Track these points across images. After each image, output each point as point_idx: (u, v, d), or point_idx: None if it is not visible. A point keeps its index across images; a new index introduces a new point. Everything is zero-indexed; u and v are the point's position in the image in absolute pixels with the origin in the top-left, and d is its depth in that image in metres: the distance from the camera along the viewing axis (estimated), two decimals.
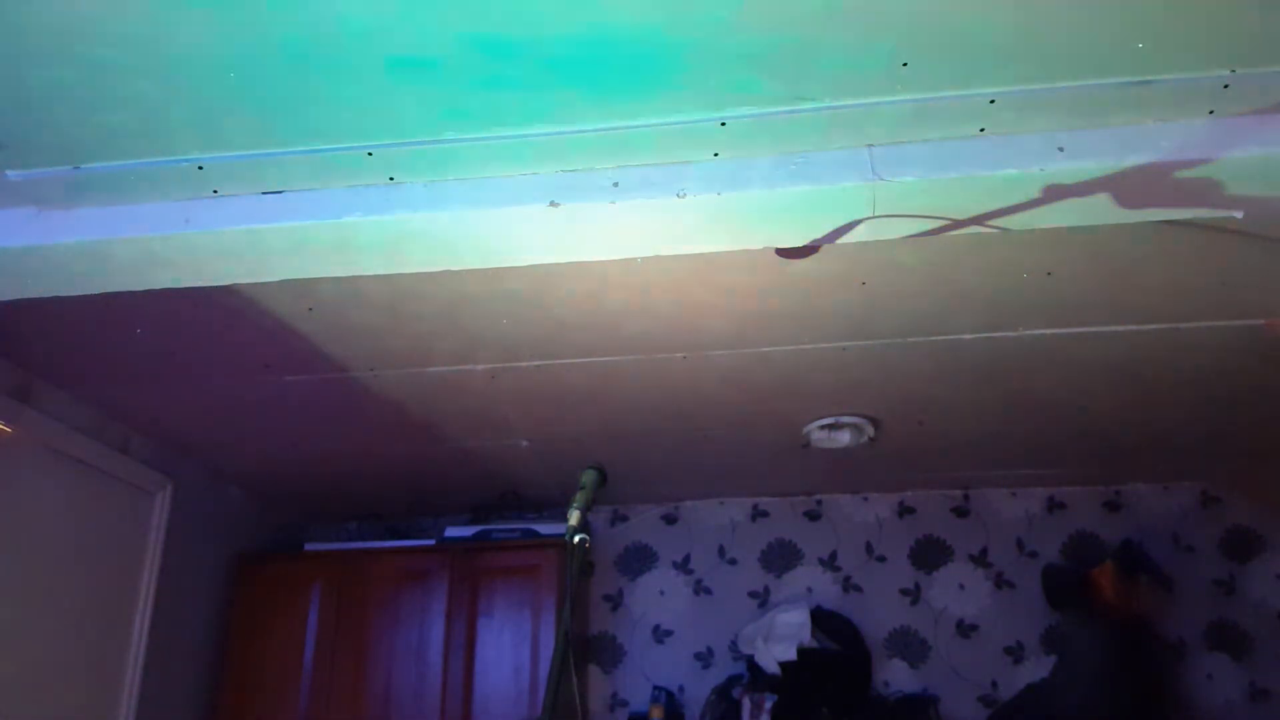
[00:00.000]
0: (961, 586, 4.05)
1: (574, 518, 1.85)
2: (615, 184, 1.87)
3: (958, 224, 1.91)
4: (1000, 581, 4.05)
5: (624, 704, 4.03)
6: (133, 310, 2.46)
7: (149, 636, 3.34)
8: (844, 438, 3.35)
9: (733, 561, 4.20)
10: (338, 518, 4.48)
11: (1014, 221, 1.89)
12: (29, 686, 2.85)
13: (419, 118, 1.74)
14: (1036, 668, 3.88)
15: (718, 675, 4.00)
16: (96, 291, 2.14)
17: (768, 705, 3.69)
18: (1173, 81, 1.66)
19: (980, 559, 4.09)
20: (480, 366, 2.87)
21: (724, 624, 4.09)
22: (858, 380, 2.98)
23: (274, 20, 1.51)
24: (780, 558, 4.19)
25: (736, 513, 4.28)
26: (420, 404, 3.14)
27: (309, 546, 4.09)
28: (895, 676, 3.95)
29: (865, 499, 4.23)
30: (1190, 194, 1.81)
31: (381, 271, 2.09)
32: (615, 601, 4.20)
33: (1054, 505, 4.12)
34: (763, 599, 4.12)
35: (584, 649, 4.10)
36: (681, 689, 4.01)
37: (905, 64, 1.63)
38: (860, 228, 1.89)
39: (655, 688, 3.95)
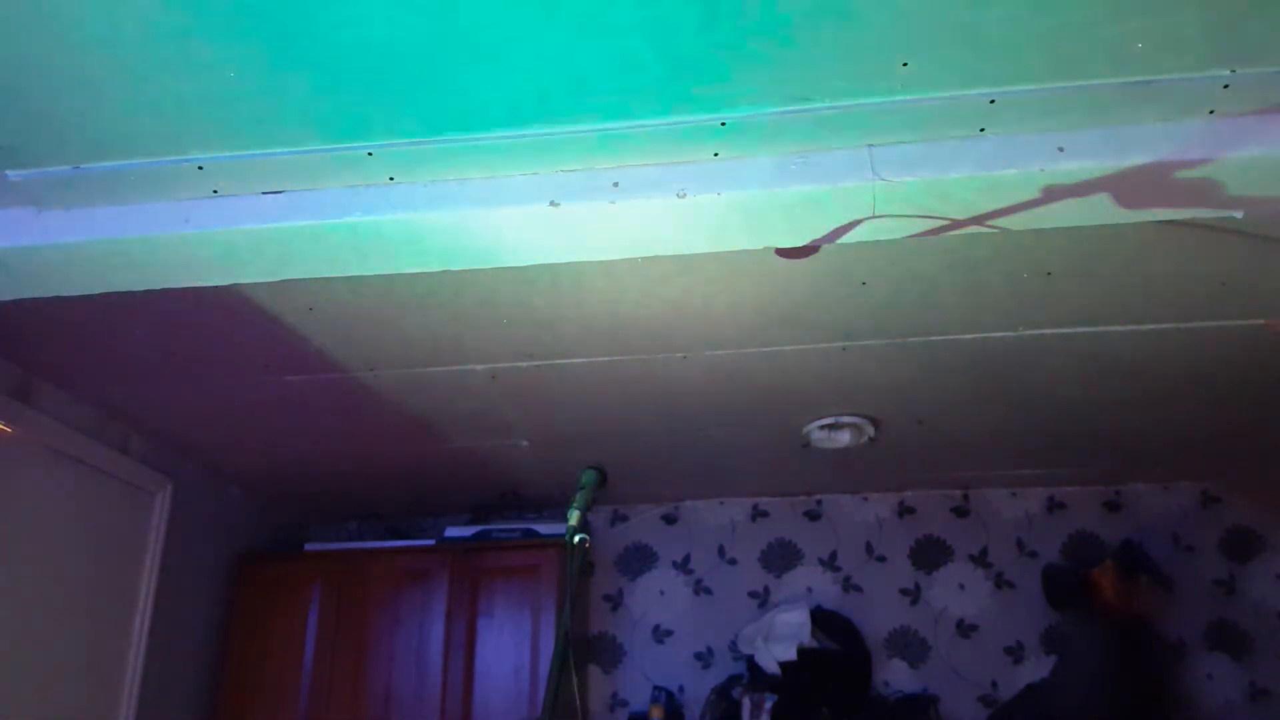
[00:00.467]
0: (961, 586, 4.05)
1: (574, 518, 1.85)
2: (615, 184, 1.87)
3: (958, 224, 1.91)
4: (1000, 581, 4.05)
5: (624, 704, 4.03)
6: (133, 310, 2.46)
7: (149, 636, 3.34)
8: (844, 438, 3.35)
9: (733, 561, 4.20)
10: (338, 518, 4.48)
11: (1014, 221, 1.89)
12: (29, 686, 2.85)
13: (419, 118, 1.74)
14: (1036, 668, 3.88)
15: (718, 675, 4.00)
16: (96, 291, 2.14)
17: (768, 705, 3.69)
18: (1173, 81, 1.66)
19: (980, 559, 4.09)
20: (480, 366, 2.87)
21: (724, 624, 4.09)
22: (858, 380, 2.98)
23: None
24: (780, 558, 4.19)
25: (736, 513, 4.28)
26: (420, 404, 3.14)
27: (309, 546, 4.09)
28: (895, 676, 3.95)
29: (865, 499, 4.23)
30: (1190, 194, 1.81)
31: (381, 271, 2.09)
32: (615, 601, 4.20)
33: (1054, 505, 4.12)
34: (763, 599, 4.12)
35: (584, 649, 4.10)
36: (681, 689, 4.01)
37: (905, 64, 1.63)
38: (860, 228, 1.89)
39: (655, 688, 3.95)
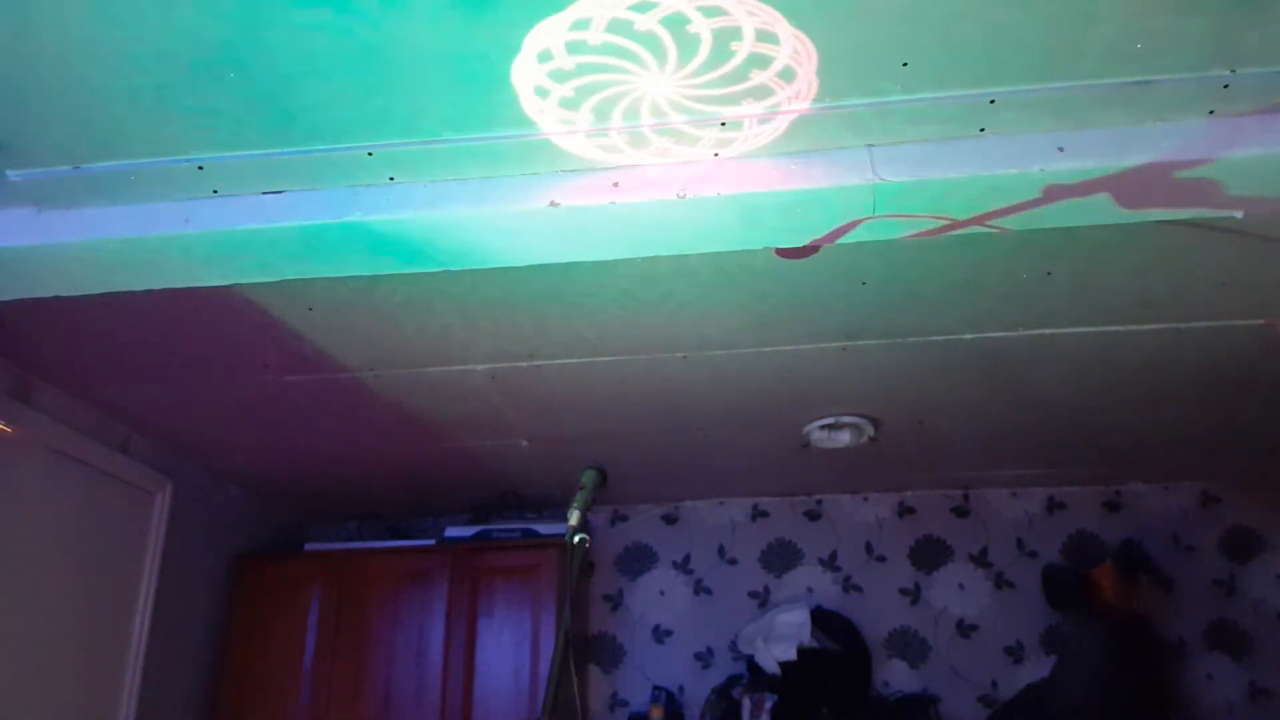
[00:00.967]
0: (961, 586, 4.05)
1: (574, 518, 1.85)
2: (615, 184, 1.87)
3: (958, 224, 1.91)
4: (1000, 581, 4.05)
5: (624, 704, 4.03)
6: (133, 310, 2.46)
7: (149, 636, 3.34)
8: (844, 438, 3.35)
9: (733, 561, 4.20)
10: (338, 518, 4.48)
11: (1014, 221, 1.89)
12: (29, 686, 2.85)
13: (419, 118, 1.75)
14: (1036, 668, 3.88)
15: (718, 675, 4.00)
16: (96, 291, 2.15)
17: (768, 705, 3.69)
18: (1173, 81, 1.66)
19: (980, 559, 4.09)
20: (480, 366, 2.87)
21: (724, 624, 4.09)
22: (858, 380, 2.98)
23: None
24: (780, 558, 4.19)
25: (736, 513, 4.28)
26: (420, 404, 3.14)
27: (309, 546, 4.08)
28: (895, 676, 3.95)
29: (865, 499, 4.23)
30: (1190, 194, 1.81)
31: (381, 271, 2.09)
32: (615, 601, 4.20)
33: (1054, 505, 4.12)
34: (763, 599, 4.12)
35: (584, 649, 4.10)
36: (681, 689, 4.01)
37: (905, 64, 1.63)
38: (860, 228, 1.89)
39: (655, 688, 3.95)
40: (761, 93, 1.70)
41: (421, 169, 1.89)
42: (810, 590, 4.11)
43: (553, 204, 1.88)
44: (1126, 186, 1.79)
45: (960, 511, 4.16)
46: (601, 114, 1.75)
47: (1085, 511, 4.09)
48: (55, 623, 2.98)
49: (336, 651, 3.79)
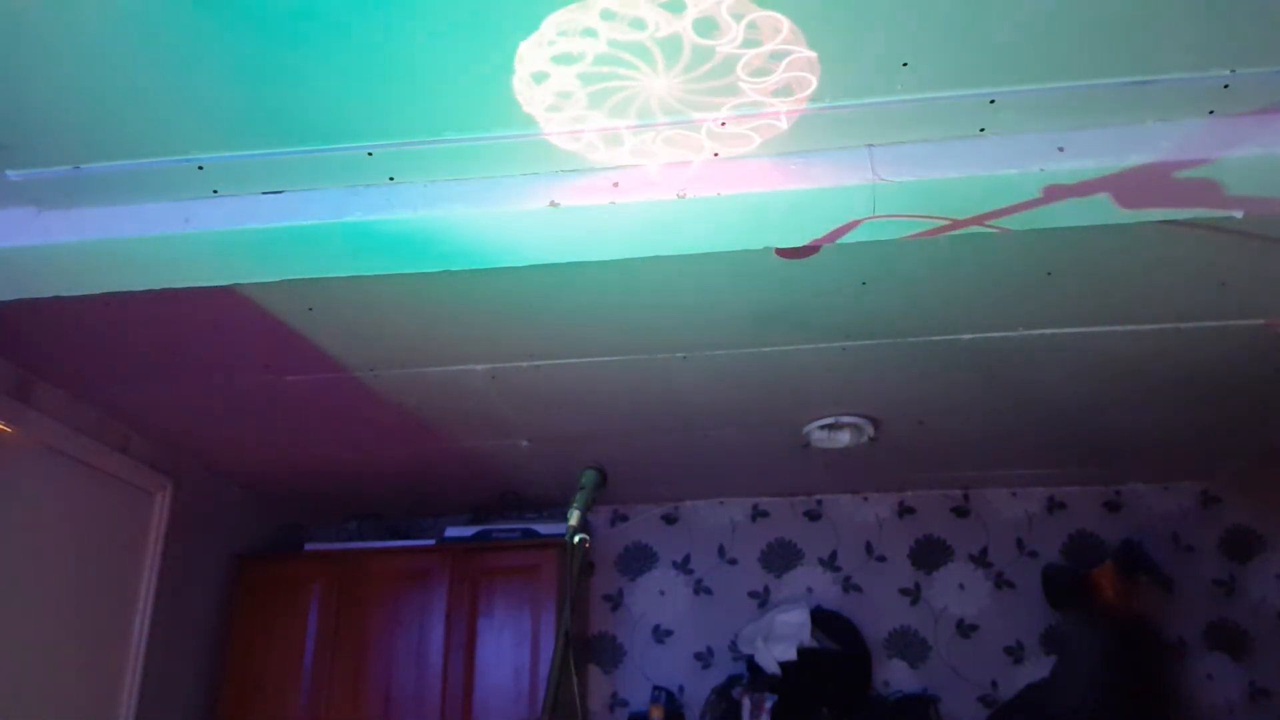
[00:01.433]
0: (961, 586, 4.05)
1: (574, 518, 1.85)
2: (615, 184, 1.87)
3: (958, 224, 1.91)
4: (1000, 581, 4.05)
5: (624, 704, 4.03)
6: (133, 310, 2.46)
7: (149, 636, 3.34)
8: (844, 438, 3.35)
9: (733, 561, 4.20)
10: (338, 518, 4.48)
11: (1014, 221, 1.89)
12: (29, 686, 2.85)
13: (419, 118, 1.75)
14: (1036, 668, 3.88)
15: (718, 675, 4.00)
16: (96, 291, 2.14)
17: (768, 705, 3.69)
18: (1173, 81, 1.66)
19: (980, 559, 4.09)
20: (480, 366, 2.87)
21: (724, 624, 4.09)
22: (858, 380, 2.98)
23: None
24: (780, 558, 4.19)
25: (736, 513, 4.28)
26: (420, 404, 3.14)
27: (309, 546, 4.09)
28: (895, 676, 3.95)
29: (865, 499, 4.23)
30: (1190, 194, 1.81)
31: (381, 271, 2.09)
32: (615, 601, 4.20)
33: (1054, 505, 4.12)
34: (763, 599, 4.12)
35: (584, 649, 4.10)
36: (681, 689, 4.01)
37: (905, 64, 1.63)
38: (860, 228, 1.89)
39: (655, 688, 3.95)
40: (761, 92, 1.70)
41: (421, 169, 1.89)
42: (810, 590, 4.11)
43: (553, 204, 1.88)
44: (1126, 186, 1.79)
45: (960, 511, 4.16)
46: (601, 114, 1.75)
47: (1085, 511, 4.09)
48: (55, 622, 2.98)
49: (336, 651, 3.79)
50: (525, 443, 3.53)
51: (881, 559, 4.14)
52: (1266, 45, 1.58)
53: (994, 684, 3.90)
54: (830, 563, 4.15)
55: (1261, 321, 2.56)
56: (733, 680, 3.92)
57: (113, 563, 3.25)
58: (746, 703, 3.74)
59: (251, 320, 2.53)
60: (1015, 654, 3.93)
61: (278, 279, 2.13)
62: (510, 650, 3.74)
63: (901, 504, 4.20)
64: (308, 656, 3.79)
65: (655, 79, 1.67)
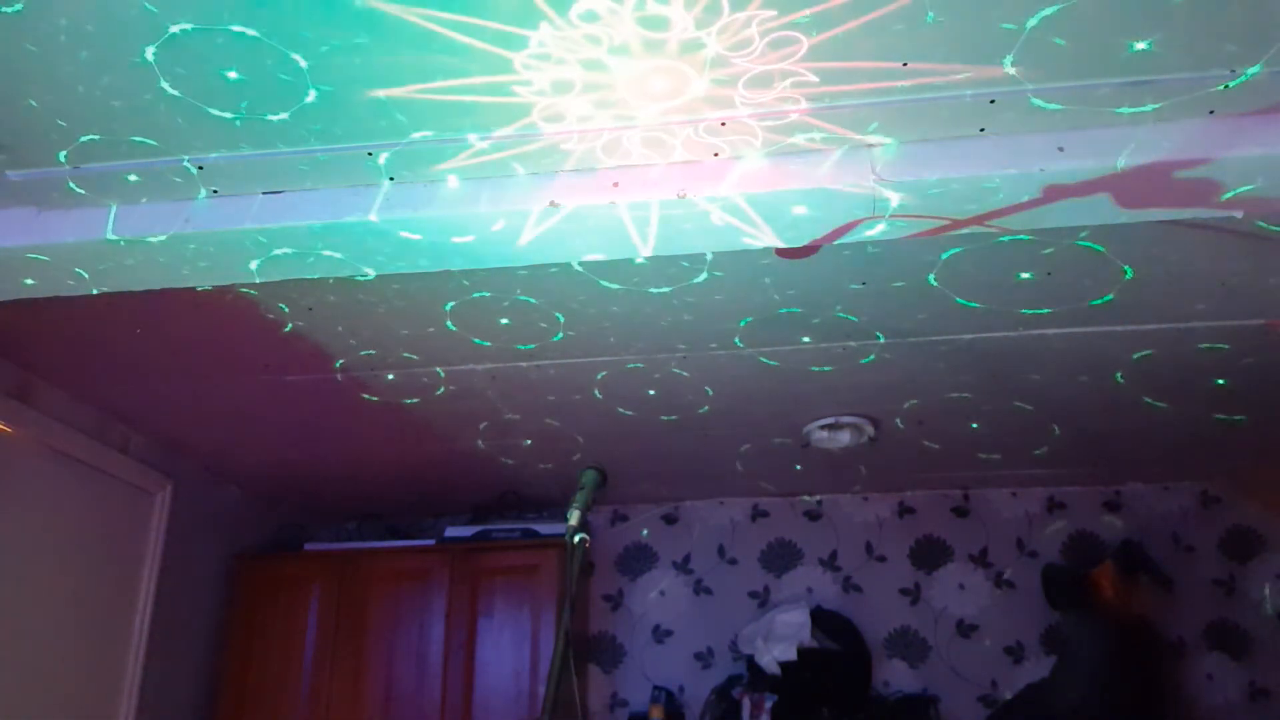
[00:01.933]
0: (961, 586, 4.05)
1: (574, 518, 1.86)
2: (615, 184, 1.87)
3: (958, 224, 1.91)
4: (1000, 581, 4.05)
5: (624, 704, 4.03)
6: (133, 310, 2.46)
7: (149, 636, 3.34)
8: (844, 438, 3.35)
9: (733, 561, 4.20)
10: (338, 518, 4.48)
11: (1014, 221, 1.89)
12: (29, 686, 2.85)
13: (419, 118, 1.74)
14: (1036, 668, 3.88)
15: (718, 675, 4.00)
16: (96, 291, 2.14)
17: (768, 705, 3.69)
18: (1173, 81, 1.66)
19: (980, 559, 4.09)
20: (480, 366, 2.87)
21: (724, 624, 4.09)
22: (858, 380, 2.98)
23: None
24: (780, 558, 4.19)
25: (736, 513, 4.28)
26: (420, 404, 3.14)
27: (309, 546, 4.09)
28: (895, 676, 3.95)
29: (865, 499, 4.23)
30: (1190, 194, 1.81)
31: (381, 271, 2.09)
32: (615, 601, 4.20)
33: (1054, 505, 4.12)
34: (763, 599, 4.12)
35: (584, 649, 4.10)
36: (681, 689, 4.01)
37: (905, 64, 1.63)
38: (860, 228, 1.89)
39: (655, 688, 3.95)
40: (761, 92, 1.70)
41: (421, 169, 1.89)
42: (810, 590, 4.11)
43: (553, 204, 1.88)
44: (1126, 186, 1.79)
45: (960, 511, 4.16)
46: (602, 113, 1.75)
47: (1085, 511, 4.09)
48: (55, 622, 2.98)
49: (336, 651, 3.79)
50: (525, 443, 3.53)
51: (881, 559, 4.13)
52: (1266, 45, 1.58)
53: (994, 684, 3.90)
54: (830, 563, 4.15)
55: (1261, 321, 2.56)
56: (733, 680, 3.92)
57: (113, 563, 3.25)
58: (746, 703, 3.74)
59: (251, 320, 2.53)
60: (1015, 654, 3.93)
61: (278, 279, 2.13)
62: (510, 650, 3.74)
63: (901, 504, 4.20)
64: (308, 656, 3.79)
65: (655, 79, 1.66)
